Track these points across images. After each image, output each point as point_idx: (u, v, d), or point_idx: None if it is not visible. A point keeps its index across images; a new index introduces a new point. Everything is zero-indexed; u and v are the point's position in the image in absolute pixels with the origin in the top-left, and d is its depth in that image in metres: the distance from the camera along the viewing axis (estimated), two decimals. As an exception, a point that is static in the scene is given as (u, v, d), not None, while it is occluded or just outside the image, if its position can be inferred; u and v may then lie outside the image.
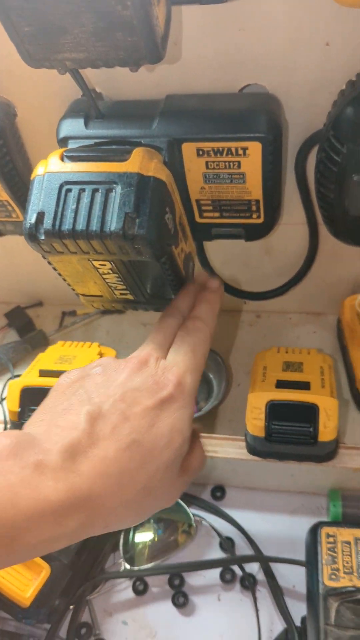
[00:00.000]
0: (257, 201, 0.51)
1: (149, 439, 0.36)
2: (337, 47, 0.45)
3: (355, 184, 0.46)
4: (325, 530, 0.52)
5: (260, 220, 0.54)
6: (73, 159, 0.41)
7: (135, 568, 0.60)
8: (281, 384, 0.57)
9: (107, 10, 0.35)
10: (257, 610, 0.56)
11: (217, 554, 0.61)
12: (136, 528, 0.62)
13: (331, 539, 0.51)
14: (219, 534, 0.62)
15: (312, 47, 0.45)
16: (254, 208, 0.52)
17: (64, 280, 0.49)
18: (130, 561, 0.60)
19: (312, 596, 0.49)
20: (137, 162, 0.40)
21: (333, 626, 0.45)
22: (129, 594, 0.59)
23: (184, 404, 0.38)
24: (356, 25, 0.43)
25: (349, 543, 0.50)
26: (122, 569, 0.60)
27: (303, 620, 0.53)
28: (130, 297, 0.50)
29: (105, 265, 0.44)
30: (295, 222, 0.61)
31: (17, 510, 0.30)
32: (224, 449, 0.58)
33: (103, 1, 0.34)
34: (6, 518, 0.30)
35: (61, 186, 0.40)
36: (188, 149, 0.47)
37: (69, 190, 0.40)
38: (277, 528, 0.62)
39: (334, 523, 0.54)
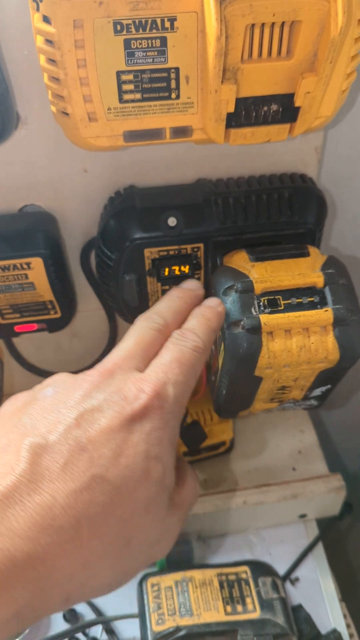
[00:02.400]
0: (51, 301, 0.58)
1: (116, 473, 0.27)
2: (94, 172, 0.53)
3: (128, 282, 0.55)
4: (150, 580, 0.57)
5: (58, 315, 0.60)
6: None
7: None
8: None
9: None
10: (102, 670, 0.60)
11: (62, 626, 0.63)
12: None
13: (155, 587, 0.57)
14: (62, 607, 0.65)
15: (74, 173, 0.52)
16: (49, 307, 0.58)
17: None
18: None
19: (144, 643, 0.55)
20: None
21: (161, 667, 0.51)
22: None
23: (163, 422, 0.29)
24: (105, 155, 0.52)
25: (170, 587, 0.56)
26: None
27: (143, 668, 0.58)
28: None
29: None
30: (93, 309, 0.68)
31: None
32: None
33: None
34: None
35: None
36: (-24, 268, 0.52)
37: None
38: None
39: (157, 572, 0.59)
